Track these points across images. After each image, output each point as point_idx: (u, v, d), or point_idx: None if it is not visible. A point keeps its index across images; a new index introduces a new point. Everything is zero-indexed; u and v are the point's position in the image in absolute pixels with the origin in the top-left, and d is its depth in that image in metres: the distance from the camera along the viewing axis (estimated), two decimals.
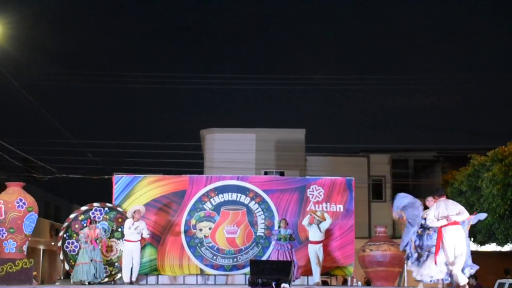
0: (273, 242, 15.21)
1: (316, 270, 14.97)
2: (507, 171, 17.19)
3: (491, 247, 20.65)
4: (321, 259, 14.94)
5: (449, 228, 11.60)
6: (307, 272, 15.29)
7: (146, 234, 14.99)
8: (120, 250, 15.53)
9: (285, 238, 14.82)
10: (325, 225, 15.03)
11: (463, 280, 11.69)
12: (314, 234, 14.98)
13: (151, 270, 15.86)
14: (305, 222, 15.10)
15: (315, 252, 14.94)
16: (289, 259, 14.43)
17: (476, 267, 12.32)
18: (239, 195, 16.26)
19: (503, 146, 18.09)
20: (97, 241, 14.63)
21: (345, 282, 18.54)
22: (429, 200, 12.33)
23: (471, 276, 13.02)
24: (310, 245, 15.07)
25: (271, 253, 15.05)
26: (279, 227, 15.15)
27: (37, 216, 14.97)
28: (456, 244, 11.66)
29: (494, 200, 17.40)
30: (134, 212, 14.98)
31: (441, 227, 11.64)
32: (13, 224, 14.26)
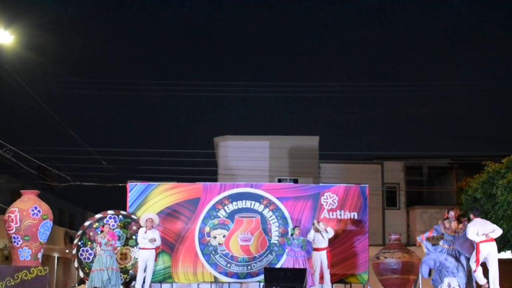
0: (287, 250, 15.19)
1: (326, 277, 14.96)
2: None
3: (507, 254, 20.51)
4: (325, 265, 14.91)
5: (485, 244, 12.85)
6: (321, 279, 15.26)
7: (158, 243, 15.02)
8: (134, 257, 15.58)
9: (298, 243, 14.82)
10: (329, 235, 15.03)
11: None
12: (318, 241, 14.99)
13: (165, 277, 15.90)
14: (309, 236, 15.09)
15: (319, 258, 14.94)
16: (303, 267, 14.43)
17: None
18: (253, 202, 16.28)
19: None
20: (115, 242, 14.75)
21: None
22: (451, 214, 13.65)
23: None
24: (314, 252, 15.08)
25: (285, 260, 15.03)
26: (292, 234, 15.14)
27: (51, 224, 15.03)
28: (489, 258, 13.03)
29: (509, 207, 17.31)
30: (146, 220, 15.03)
31: (479, 242, 12.81)
32: (28, 231, 14.32)
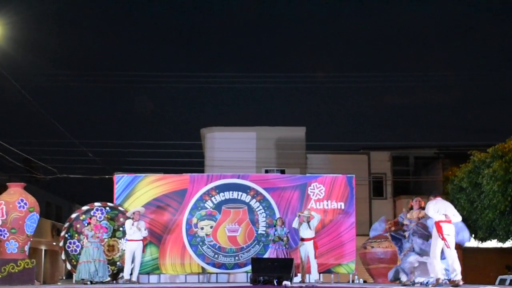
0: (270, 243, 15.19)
1: (313, 266, 14.99)
2: (508, 168, 17.21)
3: (492, 243, 20.67)
4: (311, 255, 14.94)
5: (445, 224, 11.91)
6: (308, 270, 15.30)
7: (145, 233, 15.01)
8: (121, 249, 15.57)
9: (280, 238, 14.80)
10: (314, 222, 15.05)
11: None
12: (304, 231, 15.00)
13: (152, 269, 15.91)
14: (295, 224, 15.14)
15: (305, 248, 14.98)
16: (285, 257, 14.45)
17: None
18: (240, 193, 16.29)
19: (503, 143, 18.10)
20: (102, 231, 14.75)
21: None
22: (415, 201, 12.77)
23: None
24: (301, 242, 15.11)
25: (269, 253, 15.02)
26: (275, 225, 15.15)
27: (38, 216, 14.99)
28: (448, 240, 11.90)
29: (495, 196, 17.43)
30: (134, 213, 15.03)
31: (439, 221, 11.93)
32: (15, 224, 14.29)
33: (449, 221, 11.99)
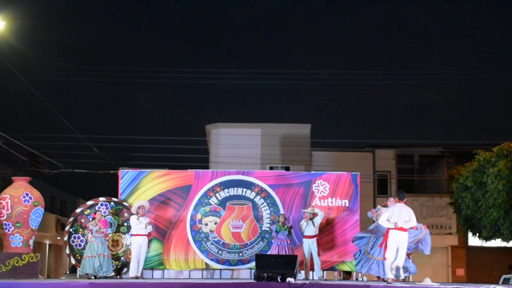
0: (273, 238, 15.20)
1: (316, 264, 15.02)
2: None
3: (496, 242, 20.65)
4: (314, 252, 14.96)
5: (395, 232, 12.58)
6: (311, 267, 15.32)
7: (149, 229, 15.03)
8: (126, 244, 15.60)
9: (285, 228, 14.86)
10: (318, 220, 15.07)
11: (389, 275, 12.65)
12: (308, 228, 15.02)
13: (157, 264, 15.93)
14: (302, 223, 15.17)
15: (308, 246, 14.99)
16: (289, 254, 14.48)
17: (413, 272, 13.90)
18: (244, 190, 16.29)
19: (509, 142, 18.10)
20: (107, 229, 14.78)
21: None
22: (390, 201, 13.31)
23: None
24: (304, 240, 15.13)
25: (272, 249, 15.05)
26: (277, 222, 15.18)
27: (43, 211, 15.04)
28: (399, 246, 12.61)
29: (500, 195, 17.42)
30: (139, 207, 15.03)
31: (389, 229, 12.65)
32: (20, 218, 14.33)
33: (400, 229, 12.54)
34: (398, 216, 12.49)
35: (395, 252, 12.59)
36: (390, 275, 12.60)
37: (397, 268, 12.83)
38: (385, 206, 13.58)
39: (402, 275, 13.18)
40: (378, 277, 13.92)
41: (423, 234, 13.44)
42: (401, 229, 12.49)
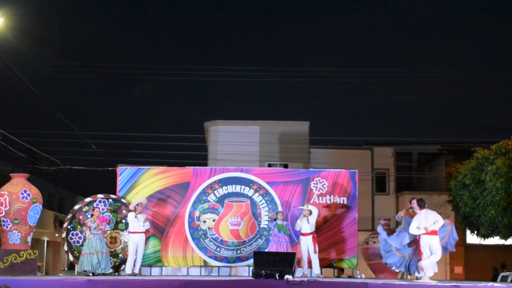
0: (271, 235, 15.16)
1: (314, 261, 15.01)
2: (511, 165, 17.19)
3: (495, 240, 20.66)
4: (311, 250, 14.95)
5: (426, 236, 13.17)
6: (309, 264, 15.30)
7: (147, 226, 15.03)
8: (124, 241, 15.60)
9: (286, 229, 14.87)
10: (313, 217, 15.06)
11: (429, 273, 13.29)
12: (304, 226, 15.01)
13: (155, 261, 15.93)
14: (297, 223, 15.17)
15: (305, 243, 14.99)
16: (287, 251, 14.47)
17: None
18: (243, 187, 16.28)
19: (507, 140, 18.09)
20: (105, 226, 14.76)
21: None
22: (414, 203, 13.68)
23: None
24: (301, 237, 15.12)
25: (270, 246, 15.03)
26: (275, 219, 15.17)
27: (41, 207, 15.02)
28: (431, 247, 13.19)
29: (498, 193, 17.42)
30: (137, 205, 15.04)
31: (420, 234, 13.22)
32: (18, 215, 14.31)
33: (431, 233, 13.09)
34: (425, 221, 13.09)
35: (430, 253, 13.17)
36: (430, 273, 13.22)
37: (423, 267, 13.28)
38: (410, 208, 13.87)
39: (421, 273, 13.50)
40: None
41: (449, 230, 13.64)
42: (432, 233, 13.09)
